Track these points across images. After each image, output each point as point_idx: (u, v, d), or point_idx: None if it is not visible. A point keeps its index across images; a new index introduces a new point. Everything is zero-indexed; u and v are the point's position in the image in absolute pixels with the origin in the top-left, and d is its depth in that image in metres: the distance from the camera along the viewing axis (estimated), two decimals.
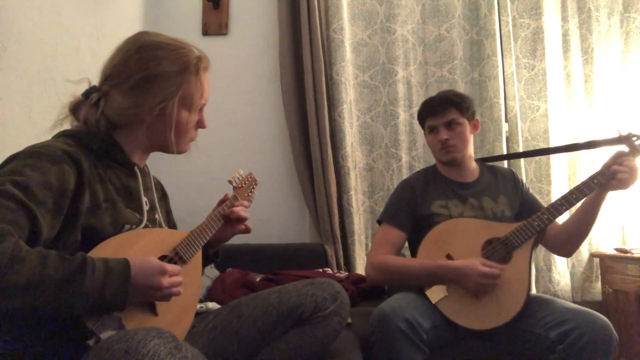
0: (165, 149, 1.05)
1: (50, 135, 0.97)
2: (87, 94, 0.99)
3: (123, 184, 0.99)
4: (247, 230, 1.23)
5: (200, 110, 1.09)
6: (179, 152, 1.07)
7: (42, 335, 0.78)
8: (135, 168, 1.03)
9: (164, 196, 1.22)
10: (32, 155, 0.83)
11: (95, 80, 1.02)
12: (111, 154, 0.97)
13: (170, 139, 1.01)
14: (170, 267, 0.87)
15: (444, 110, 1.59)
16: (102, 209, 0.90)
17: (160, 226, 1.08)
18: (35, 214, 0.77)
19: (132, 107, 0.96)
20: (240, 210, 1.19)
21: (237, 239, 2.15)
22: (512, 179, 1.67)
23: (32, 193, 0.77)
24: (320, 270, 2.10)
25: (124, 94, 0.96)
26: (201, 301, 1.77)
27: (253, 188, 1.31)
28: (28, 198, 0.77)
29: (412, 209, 1.60)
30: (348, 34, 2.48)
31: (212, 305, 1.66)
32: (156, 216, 1.07)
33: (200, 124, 1.09)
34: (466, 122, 1.60)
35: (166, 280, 0.85)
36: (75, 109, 0.98)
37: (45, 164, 0.82)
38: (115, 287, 0.77)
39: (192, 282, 1.04)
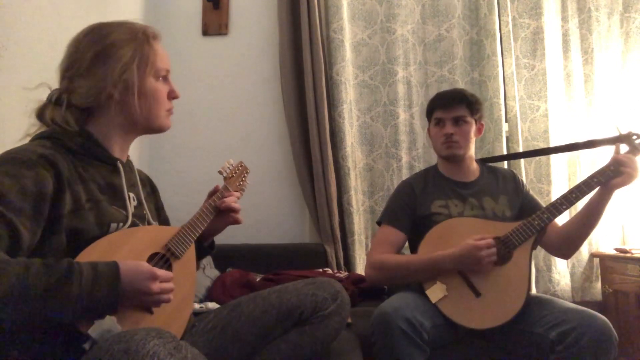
0: (145, 126, 1.04)
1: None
2: (50, 97, 0.97)
3: (107, 181, 0.97)
4: (237, 221, 1.20)
5: (167, 79, 1.06)
6: (160, 128, 1.05)
7: (39, 340, 0.77)
8: (118, 163, 1.01)
9: (153, 192, 1.21)
10: (5, 162, 0.81)
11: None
12: (90, 150, 0.95)
13: (145, 109, 1.00)
14: (161, 272, 0.86)
15: (455, 105, 1.59)
16: (85, 209, 0.88)
17: (149, 222, 1.06)
18: (14, 222, 0.75)
19: (95, 83, 0.95)
20: (230, 200, 1.17)
21: (237, 239, 2.15)
22: (513, 179, 1.67)
23: (8, 201, 0.76)
24: (320, 270, 2.09)
25: (84, 75, 0.95)
26: (201, 301, 1.77)
27: (244, 177, 1.28)
28: (5, 207, 0.75)
29: (411, 210, 1.60)
30: (348, 34, 2.48)
31: (212, 305, 1.66)
32: (144, 212, 1.06)
33: (172, 94, 1.07)
34: (473, 122, 1.60)
35: (156, 286, 0.84)
36: (40, 114, 0.96)
37: (20, 170, 0.80)
38: (105, 291, 0.77)
39: (186, 277, 1.04)
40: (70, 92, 0.96)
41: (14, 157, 0.82)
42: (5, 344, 0.76)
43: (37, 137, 0.94)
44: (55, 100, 0.96)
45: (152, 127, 1.04)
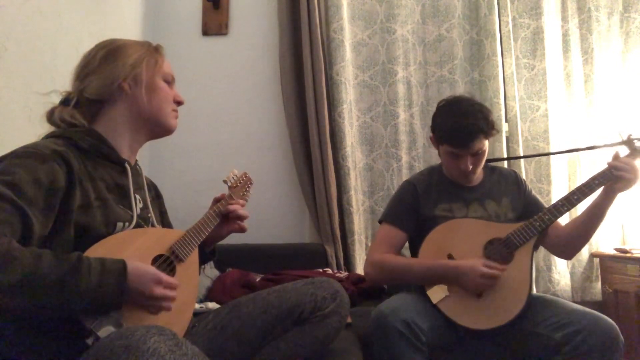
0: (152, 123, 1.07)
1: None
2: (60, 101, 1.02)
3: (115, 181, 0.99)
4: (242, 230, 1.22)
5: (171, 85, 1.12)
6: (167, 126, 1.09)
7: (41, 335, 0.78)
8: (126, 164, 1.03)
9: (157, 197, 1.23)
10: (21, 155, 0.84)
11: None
12: (99, 150, 0.98)
13: (153, 104, 1.04)
14: (166, 278, 0.87)
15: (474, 142, 1.46)
16: (93, 207, 0.90)
17: (153, 225, 1.08)
18: (27, 212, 0.77)
19: (108, 76, 1.00)
20: (238, 207, 1.20)
21: (237, 239, 2.16)
22: (515, 180, 1.66)
23: (22, 192, 0.78)
24: (320, 270, 2.09)
25: (96, 71, 1.00)
26: (201, 301, 1.77)
27: (248, 187, 1.31)
28: (19, 197, 0.77)
29: (414, 210, 1.59)
30: (348, 34, 2.48)
31: (212, 305, 1.66)
32: (149, 215, 1.08)
33: (177, 97, 1.12)
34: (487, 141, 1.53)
35: (159, 290, 0.85)
36: (49, 116, 1.01)
37: (35, 163, 0.82)
38: (111, 287, 0.78)
39: (189, 280, 1.04)
40: (80, 90, 1.00)
41: (29, 151, 0.84)
42: (8, 338, 0.76)
43: (49, 136, 0.96)
44: (63, 101, 1.01)
45: (160, 124, 1.08)
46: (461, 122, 1.46)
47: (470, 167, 1.49)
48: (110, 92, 1.01)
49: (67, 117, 0.97)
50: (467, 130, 1.45)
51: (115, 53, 1.02)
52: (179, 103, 1.12)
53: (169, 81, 1.11)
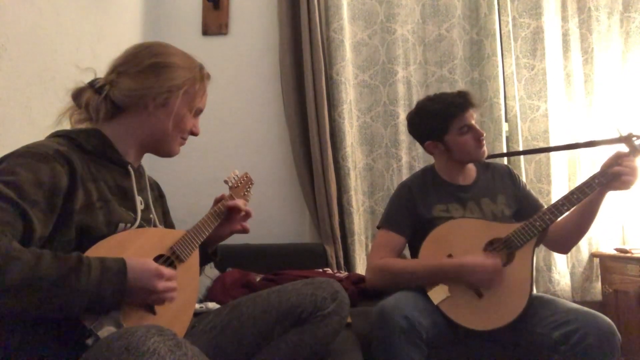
0: (159, 145, 1.06)
1: (49, 132, 0.98)
2: (92, 82, 1.00)
3: (117, 183, 0.99)
4: (245, 230, 1.22)
5: (196, 115, 1.11)
6: (170, 152, 1.08)
7: (41, 335, 0.78)
8: (129, 167, 1.03)
9: (160, 197, 1.22)
10: (23, 155, 0.83)
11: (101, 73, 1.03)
12: (103, 152, 0.97)
13: (168, 130, 1.03)
14: (166, 271, 0.87)
15: (473, 103, 1.55)
16: (95, 208, 0.89)
17: (155, 226, 1.07)
18: (28, 212, 0.76)
19: (140, 89, 0.98)
20: (239, 203, 1.19)
21: (237, 239, 2.17)
22: (509, 175, 1.66)
23: (24, 192, 0.77)
24: (320, 270, 2.09)
25: (133, 77, 0.98)
26: (201, 301, 1.77)
27: (249, 187, 1.30)
28: (20, 197, 0.76)
29: (411, 212, 1.59)
30: (348, 34, 2.48)
31: (212, 305, 1.66)
32: (151, 216, 1.07)
33: (194, 129, 1.11)
34: None
35: (162, 284, 0.85)
36: (77, 95, 0.99)
37: (37, 163, 0.82)
38: (112, 286, 0.78)
39: (189, 280, 1.04)
40: (113, 85, 0.98)
41: (31, 151, 0.84)
42: (7, 338, 0.76)
43: (54, 135, 0.96)
44: (97, 87, 0.98)
45: (164, 149, 1.07)
46: (451, 94, 1.58)
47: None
48: (133, 104, 0.99)
49: (92, 106, 0.96)
50: (462, 94, 1.55)
51: (160, 68, 1.00)
52: (192, 133, 1.11)
53: (197, 114, 1.10)
